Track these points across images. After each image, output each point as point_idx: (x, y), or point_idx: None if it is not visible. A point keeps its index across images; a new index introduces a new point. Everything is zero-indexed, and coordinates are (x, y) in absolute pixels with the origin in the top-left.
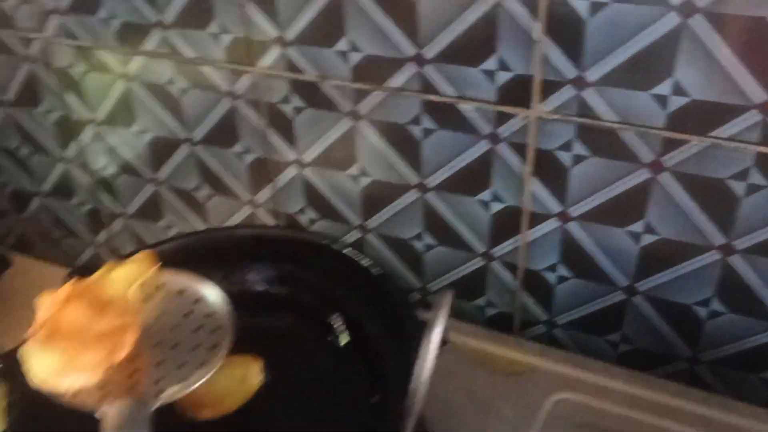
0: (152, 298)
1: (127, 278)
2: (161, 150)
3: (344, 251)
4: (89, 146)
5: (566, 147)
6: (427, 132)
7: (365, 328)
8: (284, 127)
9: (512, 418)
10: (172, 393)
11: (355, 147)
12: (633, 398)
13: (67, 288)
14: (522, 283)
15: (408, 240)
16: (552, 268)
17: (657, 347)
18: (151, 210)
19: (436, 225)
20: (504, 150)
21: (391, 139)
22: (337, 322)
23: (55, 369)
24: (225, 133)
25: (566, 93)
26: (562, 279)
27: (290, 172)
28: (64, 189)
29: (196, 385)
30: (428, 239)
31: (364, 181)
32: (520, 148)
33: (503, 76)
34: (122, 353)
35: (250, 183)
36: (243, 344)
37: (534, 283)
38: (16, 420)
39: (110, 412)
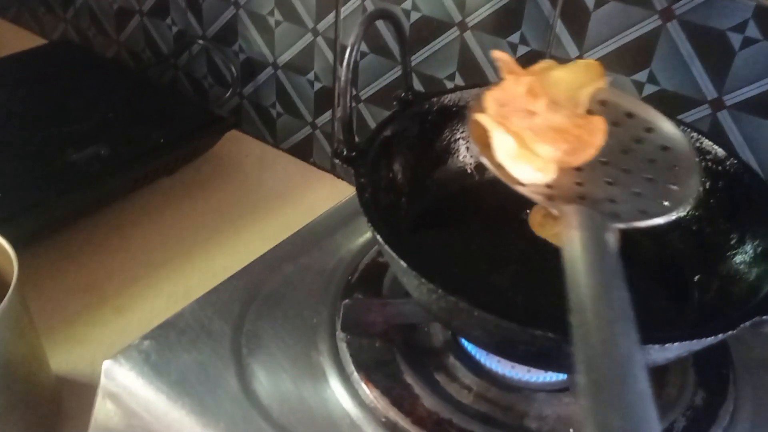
0: (598, 113)
1: (572, 82)
2: None
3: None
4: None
5: None
6: None
7: None
8: None
9: None
10: (629, 218)
11: None
12: None
13: (518, 68)
14: None
15: (441, 79)
16: None
17: (683, 87)
18: None
19: (467, 65)
20: None
21: None
22: None
23: (509, 151)
24: None
25: None
26: None
27: None
28: None
29: (661, 220)
30: (458, 79)
31: (414, 16)
32: None
33: None
34: (584, 157)
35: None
36: None
37: None
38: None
39: (571, 213)
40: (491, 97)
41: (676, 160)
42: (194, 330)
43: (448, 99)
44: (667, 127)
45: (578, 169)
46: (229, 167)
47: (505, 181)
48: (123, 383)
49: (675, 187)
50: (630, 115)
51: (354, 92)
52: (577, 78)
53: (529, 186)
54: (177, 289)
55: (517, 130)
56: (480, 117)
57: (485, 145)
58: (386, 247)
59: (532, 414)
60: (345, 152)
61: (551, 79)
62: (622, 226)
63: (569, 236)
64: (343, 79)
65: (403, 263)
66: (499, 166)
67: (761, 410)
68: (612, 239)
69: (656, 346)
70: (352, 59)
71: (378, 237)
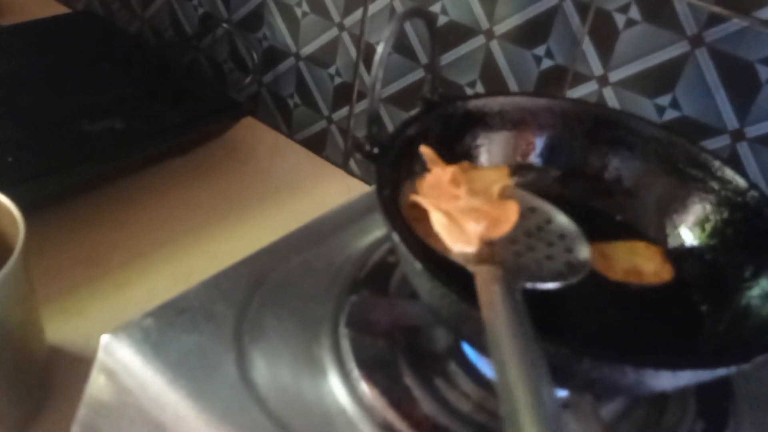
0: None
1: (485, 178)
2: None
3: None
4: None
5: (623, 9)
6: None
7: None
8: None
9: None
10: (534, 278)
11: None
12: None
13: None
14: None
15: (462, 86)
16: None
17: (705, 115)
18: None
19: (490, 74)
20: (569, 6)
21: None
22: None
23: (443, 224)
24: None
25: None
26: None
27: None
28: None
29: (553, 285)
30: (479, 87)
31: (442, 19)
32: (583, 8)
33: None
34: (502, 230)
35: None
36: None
37: None
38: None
39: (484, 271)
40: (424, 183)
41: (572, 243)
42: (197, 312)
43: (473, 104)
44: (562, 219)
45: (492, 244)
46: (241, 154)
47: (437, 250)
48: (121, 360)
49: (570, 259)
50: (532, 209)
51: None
52: (489, 175)
53: (457, 253)
54: (179, 270)
55: (447, 209)
56: (417, 198)
57: (415, 219)
58: (402, 246)
59: None
60: (368, 147)
61: (469, 175)
62: (528, 285)
63: (484, 291)
64: (374, 73)
65: (418, 264)
66: (431, 237)
67: None
68: (519, 294)
69: (668, 373)
70: (386, 54)
71: (394, 235)
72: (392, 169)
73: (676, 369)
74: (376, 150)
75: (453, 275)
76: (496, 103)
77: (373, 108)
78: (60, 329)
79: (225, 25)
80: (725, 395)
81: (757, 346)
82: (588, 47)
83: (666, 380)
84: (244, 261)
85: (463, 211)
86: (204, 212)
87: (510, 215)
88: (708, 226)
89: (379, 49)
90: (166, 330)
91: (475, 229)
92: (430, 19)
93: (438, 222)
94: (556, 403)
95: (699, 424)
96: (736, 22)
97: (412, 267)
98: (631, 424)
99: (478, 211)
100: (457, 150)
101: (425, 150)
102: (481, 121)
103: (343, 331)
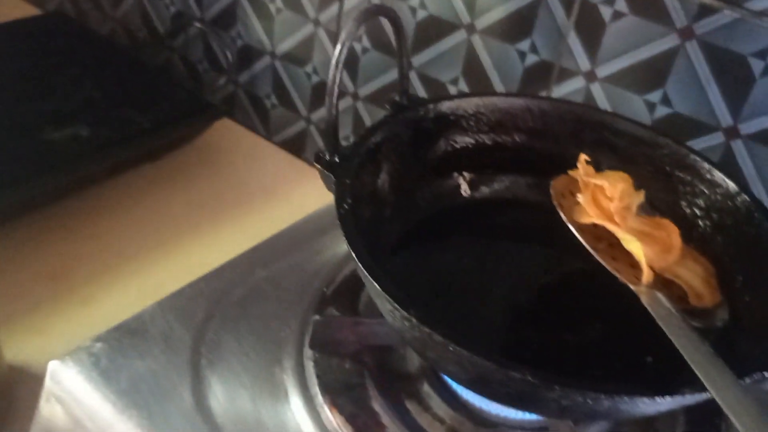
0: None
1: (622, 190)
2: None
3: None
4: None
5: (610, 1)
6: None
7: None
8: None
9: None
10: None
11: None
12: None
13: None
14: None
15: (444, 83)
16: None
17: (697, 111)
18: None
19: (473, 70)
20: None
21: None
22: None
23: (640, 251)
24: None
25: None
26: None
27: None
28: None
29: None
30: (462, 84)
31: (420, 14)
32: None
33: None
34: (671, 258)
35: None
36: None
37: None
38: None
39: (654, 297)
40: (587, 199)
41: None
42: (152, 335)
43: (445, 107)
44: None
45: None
46: (217, 157)
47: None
48: (68, 387)
49: None
50: None
51: (353, 89)
52: (619, 185)
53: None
54: (148, 284)
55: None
56: (608, 226)
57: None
58: (360, 266)
59: None
60: (327, 157)
61: (611, 187)
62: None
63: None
64: (330, 77)
65: (377, 286)
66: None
67: None
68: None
69: (646, 400)
70: (342, 57)
71: (354, 255)
72: (354, 180)
73: (654, 396)
74: (336, 159)
75: (414, 297)
76: (470, 104)
77: (332, 114)
78: (21, 349)
79: (198, 23)
80: (717, 411)
81: (744, 368)
82: (574, 41)
83: (645, 407)
84: (206, 277)
85: (633, 232)
86: (176, 222)
87: (674, 240)
88: (697, 233)
89: (336, 51)
90: (117, 355)
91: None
92: (394, 18)
93: (636, 249)
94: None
95: None
96: (728, 14)
97: (372, 287)
98: None
99: (648, 235)
100: (429, 157)
101: (583, 159)
102: (456, 124)
103: (308, 353)
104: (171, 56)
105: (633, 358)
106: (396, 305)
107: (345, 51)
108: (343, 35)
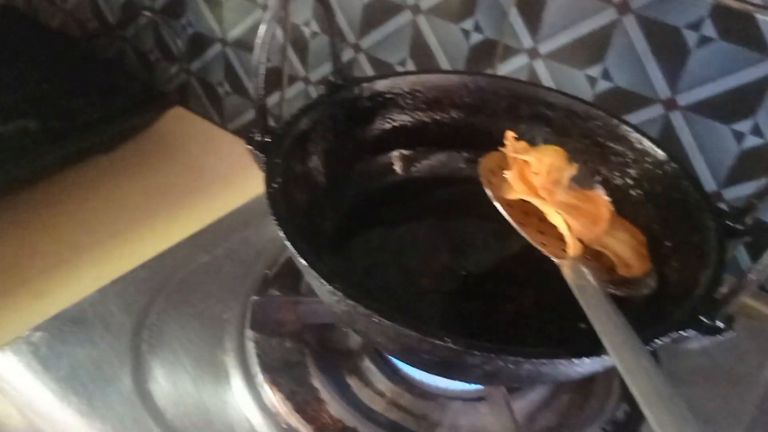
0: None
1: (551, 163)
2: None
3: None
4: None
5: None
6: None
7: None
8: None
9: None
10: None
11: None
12: None
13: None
14: None
15: (392, 64)
16: None
17: (637, 85)
18: None
19: (419, 50)
20: None
21: None
22: None
23: (564, 225)
24: None
25: None
26: None
27: None
28: None
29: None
30: (410, 65)
31: None
32: None
33: None
34: (598, 230)
35: None
36: None
37: None
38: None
39: (576, 269)
40: (513, 175)
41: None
42: (92, 322)
43: (380, 85)
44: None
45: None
46: (171, 146)
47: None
48: (7, 377)
49: None
50: None
51: (304, 73)
52: (550, 159)
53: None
54: (104, 275)
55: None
56: (529, 198)
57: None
58: (286, 241)
59: (446, 423)
60: (258, 137)
61: (536, 160)
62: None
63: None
64: (255, 56)
65: (303, 261)
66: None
67: None
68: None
69: (564, 361)
70: (268, 38)
71: (280, 232)
72: (286, 159)
73: (571, 357)
74: (268, 139)
75: (341, 272)
76: (405, 82)
77: (259, 94)
78: None
79: (147, 12)
80: None
81: (661, 328)
82: (516, 19)
83: (565, 369)
84: (148, 263)
85: (561, 206)
86: (130, 212)
87: (602, 212)
88: (629, 203)
89: (260, 30)
90: (57, 343)
91: (577, 227)
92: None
93: (560, 223)
94: None
95: (622, 408)
96: None
97: (301, 264)
98: (552, 412)
99: (575, 208)
100: (366, 136)
101: (510, 136)
102: (392, 103)
103: (249, 334)
104: (123, 46)
105: (568, 326)
106: (322, 280)
107: (270, 31)
108: (267, 14)
